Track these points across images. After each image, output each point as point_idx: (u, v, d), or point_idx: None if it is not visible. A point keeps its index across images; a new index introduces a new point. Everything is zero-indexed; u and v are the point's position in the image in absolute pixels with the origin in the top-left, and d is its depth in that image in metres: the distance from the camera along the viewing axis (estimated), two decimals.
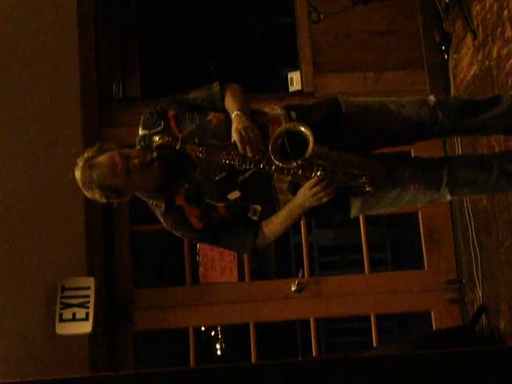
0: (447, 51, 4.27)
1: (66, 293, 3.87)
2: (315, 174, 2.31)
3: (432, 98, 2.61)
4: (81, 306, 3.84)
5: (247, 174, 2.37)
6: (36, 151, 3.77)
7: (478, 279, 3.97)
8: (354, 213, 2.60)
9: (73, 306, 3.84)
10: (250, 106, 2.48)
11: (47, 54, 4.03)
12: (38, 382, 2.29)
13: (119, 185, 2.38)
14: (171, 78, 5.66)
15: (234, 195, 2.44)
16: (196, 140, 2.30)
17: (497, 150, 3.52)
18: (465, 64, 4.04)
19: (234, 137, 2.28)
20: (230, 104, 2.43)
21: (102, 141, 2.55)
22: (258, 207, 2.49)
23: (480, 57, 3.78)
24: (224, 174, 2.40)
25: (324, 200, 2.35)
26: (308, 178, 2.33)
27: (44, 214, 3.76)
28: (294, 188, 2.42)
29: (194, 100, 2.54)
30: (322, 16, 4.10)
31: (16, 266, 3.52)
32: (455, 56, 4.20)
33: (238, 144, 2.27)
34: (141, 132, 2.54)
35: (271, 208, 2.50)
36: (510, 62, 3.39)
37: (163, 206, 2.49)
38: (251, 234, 2.52)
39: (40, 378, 3.10)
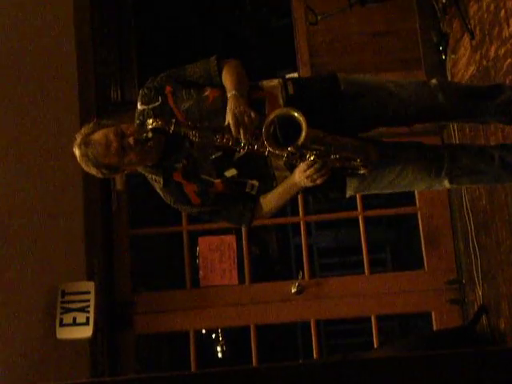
0: (445, 51, 4.27)
1: (67, 297, 3.86)
2: (309, 158, 2.31)
3: (434, 80, 2.61)
4: (81, 310, 3.84)
5: (243, 152, 2.34)
6: (34, 155, 3.77)
7: (478, 279, 3.97)
8: (350, 192, 2.60)
9: (73, 310, 3.84)
10: (248, 83, 2.48)
11: (44, 59, 4.03)
12: None
13: (114, 163, 2.39)
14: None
15: (231, 173, 2.45)
16: (189, 123, 2.31)
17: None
18: (462, 64, 4.04)
19: (229, 119, 2.27)
20: (227, 82, 2.42)
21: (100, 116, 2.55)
22: (256, 182, 2.49)
23: (477, 57, 3.79)
24: (220, 153, 2.40)
25: (318, 182, 2.34)
26: (302, 160, 2.33)
27: (43, 218, 3.76)
28: (291, 165, 2.41)
29: (191, 75, 2.52)
30: (319, 17, 4.10)
31: (16, 272, 3.52)
32: (453, 56, 4.20)
33: (232, 128, 2.26)
34: (139, 107, 2.55)
35: (269, 183, 2.50)
36: (507, 62, 3.39)
37: (161, 181, 2.49)
38: (249, 207, 2.54)
39: (41, 383, 3.10)
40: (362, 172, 2.41)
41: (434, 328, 4.33)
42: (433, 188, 2.68)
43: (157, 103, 2.48)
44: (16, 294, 3.51)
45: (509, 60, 3.37)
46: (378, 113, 2.57)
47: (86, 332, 3.82)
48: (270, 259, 6.62)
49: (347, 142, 2.38)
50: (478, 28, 3.77)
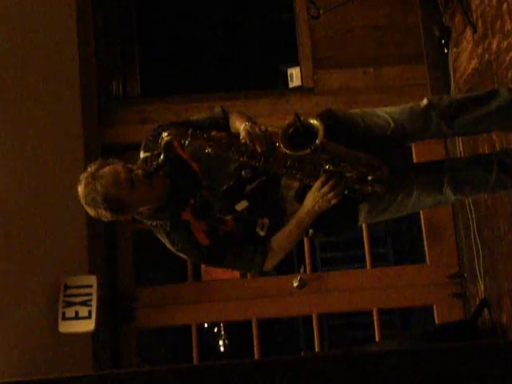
0: (447, 45, 4.26)
1: (69, 291, 3.87)
2: (324, 169, 2.30)
3: (424, 101, 2.59)
4: (83, 304, 3.84)
5: (255, 184, 2.36)
6: (36, 151, 3.77)
7: (480, 273, 3.97)
8: (361, 220, 2.58)
9: (75, 304, 3.84)
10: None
11: (46, 54, 4.02)
12: (42, 380, 2.29)
13: (124, 195, 2.34)
14: (171, 76, 5.65)
15: (242, 205, 2.42)
16: (205, 135, 2.29)
17: (497, 144, 3.51)
18: (465, 58, 4.04)
19: (243, 135, 2.27)
20: (238, 121, 2.41)
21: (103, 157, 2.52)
22: (266, 220, 2.45)
23: (480, 50, 3.78)
24: (231, 182, 2.39)
25: (333, 202, 2.33)
26: (316, 178, 2.32)
27: (45, 212, 3.76)
28: (301, 197, 2.40)
29: (196, 122, 2.53)
30: (321, 11, 4.09)
31: (18, 265, 3.52)
32: (455, 50, 4.20)
33: (247, 138, 2.25)
34: (142, 155, 2.53)
35: (279, 220, 2.47)
36: (509, 55, 3.38)
37: (168, 223, 2.44)
38: (260, 253, 2.46)
39: (43, 376, 3.11)
40: (376, 189, 2.39)
41: (436, 322, 4.33)
42: (439, 205, 2.68)
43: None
44: (18, 287, 3.51)
45: (511, 54, 3.37)
46: (373, 141, 2.55)
47: (89, 326, 3.82)
48: None
49: (360, 154, 2.38)
50: (480, 21, 3.77)
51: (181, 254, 2.54)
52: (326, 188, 2.31)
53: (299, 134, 2.28)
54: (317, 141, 2.21)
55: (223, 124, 2.48)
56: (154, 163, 2.35)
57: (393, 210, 2.60)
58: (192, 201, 2.42)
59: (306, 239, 4.49)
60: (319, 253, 6.54)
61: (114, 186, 2.32)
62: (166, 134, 2.27)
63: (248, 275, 4.43)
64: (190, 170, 2.44)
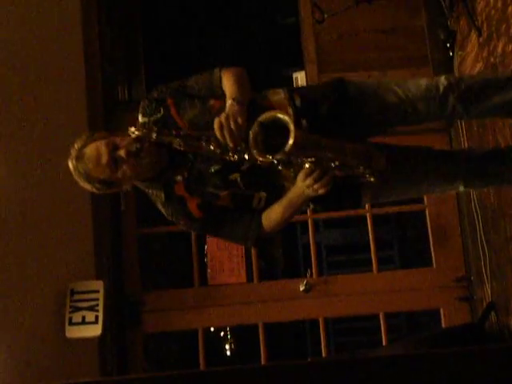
0: (452, 48, 4.26)
1: (76, 296, 3.88)
2: (304, 166, 2.15)
3: (443, 80, 2.50)
4: (90, 309, 3.85)
5: (248, 163, 2.25)
6: (42, 155, 3.78)
7: (487, 276, 3.97)
8: (365, 201, 2.56)
9: (82, 309, 3.85)
10: (249, 89, 2.36)
11: (52, 58, 4.04)
12: None
13: (106, 177, 2.31)
14: (176, 79, 5.64)
15: (235, 176, 2.34)
16: (173, 132, 2.23)
17: (503, 143, 3.51)
18: (470, 61, 4.03)
19: (214, 126, 2.16)
20: (226, 90, 2.33)
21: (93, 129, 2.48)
22: (263, 194, 2.39)
23: (485, 53, 3.77)
24: (219, 166, 2.31)
25: (321, 192, 2.18)
26: (301, 168, 2.18)
27: (52, 218, 3.77)
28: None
29: (193, 88, 2.45)
30: (325, 15, 4.10)
31: (25, 271, 3.53)
32: (460, 53, 4.19)
33: (216, 133, 2.15)
34: (141, 119, 2.44)
35: (278, 195, 2.38)
36: None
37: (163, 195, 2.40)
38: (255, 225, 2.40)
39: (50, 382, 3.11)
40: (370, 179, 2.25)
41: (443, 325, 4.32)
42: (446, 192, 2.67)
43: (159, 115, 2.39)
44: (25, 292, 3.52)
45: None
46: (382, 120, 2.52)
47: (95, 331, 3.83)
48: (275, 268, 6.62)
49: (348, 147, 2.21)
50: (485, 25, 3.76)
51: (177, 223, 2.50)
52: (310, 179, 2.17)
53: (275, 130, 2.11)
54: (285, 148, 2.04)
55: (219, 93, 2.38)
56: (135, 146, 2.27)
57: (400, 193, 2.59)
58: (186, 173, 2.36)
59: (312, 244, 4.50)
60: (325, 256, 6.53)
61: (95, 170, 2.28)
62: (132, 129, 2.23)
63: (254, 279, 4.43)
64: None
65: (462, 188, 2.61)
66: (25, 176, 3.65)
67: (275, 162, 2.10)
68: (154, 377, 2.11)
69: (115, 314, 4.19)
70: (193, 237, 4.46)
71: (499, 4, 3.53)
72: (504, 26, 3.47)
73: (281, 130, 2.08)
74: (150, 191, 2.44)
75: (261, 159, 2.10)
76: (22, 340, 3.45)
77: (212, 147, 2.20)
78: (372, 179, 2.24)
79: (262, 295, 4.40)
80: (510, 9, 3.37)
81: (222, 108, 2.28)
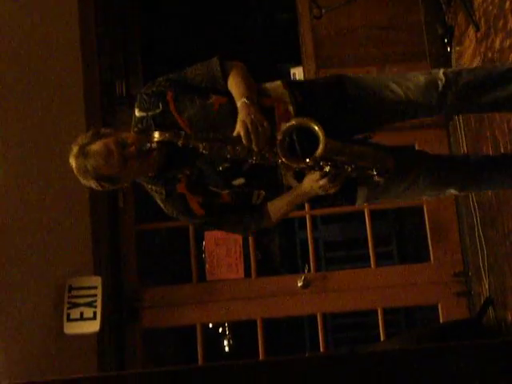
0: (450, 44, 4.26)
1: (74, 292, 3.88)
2: (324, 170, 2.23)
3: (441, 75, 2.50)
4: (88, 305, 3.85)
5: (252, 163, 2.25)
6: (40, 152, 3.78)
7: (485, 271, 3.97)
8: (360, 201, 2.56)
9: (80, 305, 3.85)
10: (256, 88, 2.36)
11: (49, 55, 4.03)
12: (47, 382, 2.30)
13: (115, 174, 2.28)
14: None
15: (239, 182, 2.36)
16: (199, 135, 2.20)
17: (500, 138, 3.51)
18: (468, 56, 4.03)
19: (240, 130, 2.16)
20: (235, 88, 2.30)
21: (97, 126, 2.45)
22: (262, 192, 2.42)
23: (483, 49, 3.77)
24: (227, 164, 2.30)
25: (331, 191, 2.29)
26: (318, 171, 2.24)
27: (50, 214, 3.77)
28: (299, 174, 2.34)
29: (193, 79, 2.40)
30: (323, 11, 4.09)
31: (23, 267, 3.53)
32: (458, 48, 4.19)
33: (243, 138, 2.16)
34: (137, 114, 2.39)
35: (276, 193, 2.43)
36: None
37: (164, 192, 2.39)
38: (256, 219, 2.46)
39: (48, 378, 3.11)
40: (377, 180, 2.35)
41: (441, 320, 4.33)
42: (440, 196, 2.67)
43: (157, 110, 2.35)
44: (23, 289, 3.52)
45: None
46: (382, 113, 2.52)
47: (94, 327, 3.83)
48: (273, 264, 6.62)
49: (364, 151, 2.31)
50: (482, 20, 3.76)
51: (176, 218, 2.51)
52: (324, 181, 2.25)
53: (300, 135, 2.22)
54: (316, 154, 2.15)
55: (222, 86, 2.35)
56: (147, 145, 2.24)
57: (394, 196, 2.59)
58: (188, 172, 2.35)
59: (310, 240, 4.50)
60: (324, 252, 6.52)
61: (105, 167, 2.25)
62: (156, 134, 2.17)
63: (252, 275, 4.44)
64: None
65: (455, 192, 2.62)
66: (22, 172, 3.65)
67: (301, 166, 2.20)
68: (152, 372, 2.11)
69: (113, 310, 4.20)
70: (191, 233, 4.47)
71: None
72: (501, 21, 3.47)
73: (300, 133, 2.20)
74: (150, 186, 2.43)
75: (290, 163, 2.19)
76: (20, 336, 3.45)
77: (237, 151, 2.20)
78: (380, 180, 2.34)
79: (260, 291, 4.41)
80: (508, 4, 3.36)
81: (223, 105, 2.30)
